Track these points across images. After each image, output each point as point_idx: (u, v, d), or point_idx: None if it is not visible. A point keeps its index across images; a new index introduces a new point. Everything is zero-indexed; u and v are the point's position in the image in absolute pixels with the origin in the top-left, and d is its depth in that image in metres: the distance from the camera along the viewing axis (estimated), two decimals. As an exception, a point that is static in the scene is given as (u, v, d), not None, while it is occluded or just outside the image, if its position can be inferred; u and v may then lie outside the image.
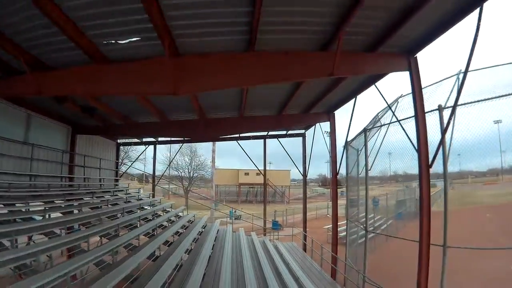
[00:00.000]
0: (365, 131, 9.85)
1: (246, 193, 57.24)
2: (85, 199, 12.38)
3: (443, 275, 6.38)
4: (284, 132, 17.75)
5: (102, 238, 9.29)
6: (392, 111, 8.94)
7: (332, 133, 12.66)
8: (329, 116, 12.86)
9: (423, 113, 7.50)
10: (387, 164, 9.61)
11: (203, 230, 14.81)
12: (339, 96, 11.36)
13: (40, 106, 11.47)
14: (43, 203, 9.59)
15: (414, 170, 7.52)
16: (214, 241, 13.24)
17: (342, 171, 13.30)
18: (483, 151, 7.35)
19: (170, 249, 10.00)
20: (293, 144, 19.31)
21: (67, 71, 7.45)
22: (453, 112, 6.60)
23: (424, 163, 7.18)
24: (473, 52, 5.98)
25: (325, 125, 15.18)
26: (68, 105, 10.61)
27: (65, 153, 13.45)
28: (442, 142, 6.85)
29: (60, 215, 9.98)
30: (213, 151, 24.86)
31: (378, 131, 10.00)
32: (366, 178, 9.33)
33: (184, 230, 13.47)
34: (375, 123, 10.07)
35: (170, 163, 31.29)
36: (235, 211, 35.11)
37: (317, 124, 15.94)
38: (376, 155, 9.68)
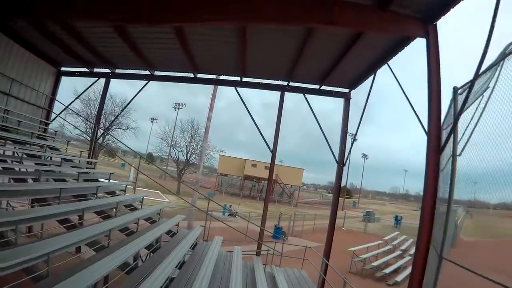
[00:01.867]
0: None
1: (251, 188, 50.51)
2: None
3: None
4: (316, 87, 10.72)
5: None
6: None
7: (433, 61, 5.66)
8: (427, 27, 5.87)
9: None
10: None
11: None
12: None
13: None
14: None
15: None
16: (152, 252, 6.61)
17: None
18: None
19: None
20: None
21: None
22: None
23: None
24: None
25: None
26: None
27: None
28: None
29: None
30: (208, 119, 18.19)
31: None
32: None
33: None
34: None
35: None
36: (230, 206, 28.49)
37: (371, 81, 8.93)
38: None
